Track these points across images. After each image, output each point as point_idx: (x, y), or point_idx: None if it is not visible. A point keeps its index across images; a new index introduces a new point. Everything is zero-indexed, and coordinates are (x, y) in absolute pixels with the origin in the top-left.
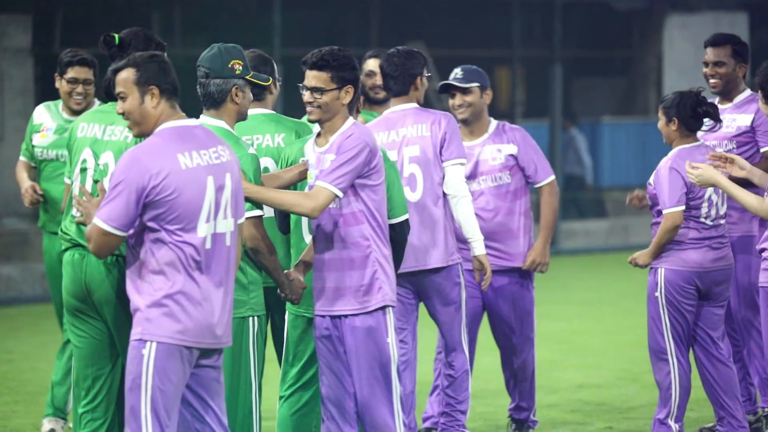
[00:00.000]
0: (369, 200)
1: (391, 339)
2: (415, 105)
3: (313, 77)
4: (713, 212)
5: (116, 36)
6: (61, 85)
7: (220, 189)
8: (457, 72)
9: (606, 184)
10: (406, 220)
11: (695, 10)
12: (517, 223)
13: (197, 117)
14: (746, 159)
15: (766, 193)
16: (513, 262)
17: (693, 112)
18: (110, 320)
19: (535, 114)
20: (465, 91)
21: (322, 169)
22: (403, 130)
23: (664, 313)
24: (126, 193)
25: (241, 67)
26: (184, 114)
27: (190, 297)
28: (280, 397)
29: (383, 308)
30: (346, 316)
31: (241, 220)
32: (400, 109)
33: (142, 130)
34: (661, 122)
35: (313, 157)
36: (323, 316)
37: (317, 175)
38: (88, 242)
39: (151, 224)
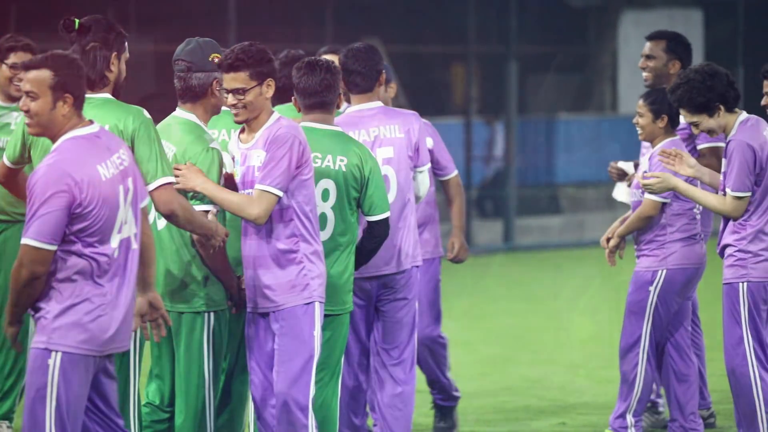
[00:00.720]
0: (300, 195)
1: (317, 333)
2: (380, 103)
3: (231, 79)
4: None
5: (76, 21)
6: (1, 70)
7: (125, 195)
8: None
9: (561, 181)
10: (387, 218)
11: (650, 7)
12: (425, 213)
13: (171, 111)
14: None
15: (720, 192)
16: (425, 251)
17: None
18: None
19: (490, 110)
20: None
21: (249, 166)
22: (374, 130)
23: (650, 308)
24: (55, 208)
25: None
26: (87, 119)
27: (98, 305)
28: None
29: (311, 303)
30: (273, 312)
31: (144, 204)
32: (366, 107)
33: (42, 133)
34: (646, 119)
35: (238, 154)
36: (253, 314)
37: (243, 173)
38: (21, 269)
39: (70, 237)
